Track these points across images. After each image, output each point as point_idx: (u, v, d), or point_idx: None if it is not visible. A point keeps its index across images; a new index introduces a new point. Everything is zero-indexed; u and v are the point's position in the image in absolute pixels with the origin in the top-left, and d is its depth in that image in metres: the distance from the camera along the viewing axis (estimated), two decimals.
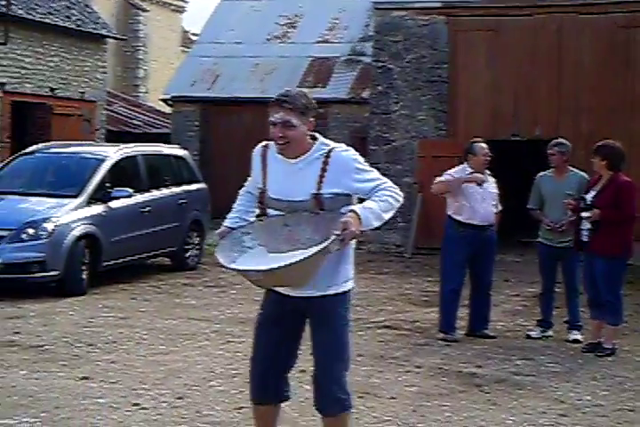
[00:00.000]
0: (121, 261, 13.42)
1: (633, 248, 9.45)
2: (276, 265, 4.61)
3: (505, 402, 7.55)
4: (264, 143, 5.20)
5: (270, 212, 5.09)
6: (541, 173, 10.50)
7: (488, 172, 10.32)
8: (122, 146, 14.55)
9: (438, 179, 10.03)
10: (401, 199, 5.07)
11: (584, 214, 9.28)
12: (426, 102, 18.34)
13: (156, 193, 14.40)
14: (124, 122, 28.40)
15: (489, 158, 10.09)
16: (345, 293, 5.09)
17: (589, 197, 9.35)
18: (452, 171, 10.17)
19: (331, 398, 5.07)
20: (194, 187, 15.62)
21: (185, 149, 16.71)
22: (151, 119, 29.82)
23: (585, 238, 9.39)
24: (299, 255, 4.67)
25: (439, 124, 18.31)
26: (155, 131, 28.42)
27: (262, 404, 5.35)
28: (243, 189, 5.43)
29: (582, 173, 10.25)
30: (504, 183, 12.03)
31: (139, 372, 8.14)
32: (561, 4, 17.73)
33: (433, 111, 18.36)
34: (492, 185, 10.28)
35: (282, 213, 5.00)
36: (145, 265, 14.85)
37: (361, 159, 5.09)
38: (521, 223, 11.01)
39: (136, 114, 29.80)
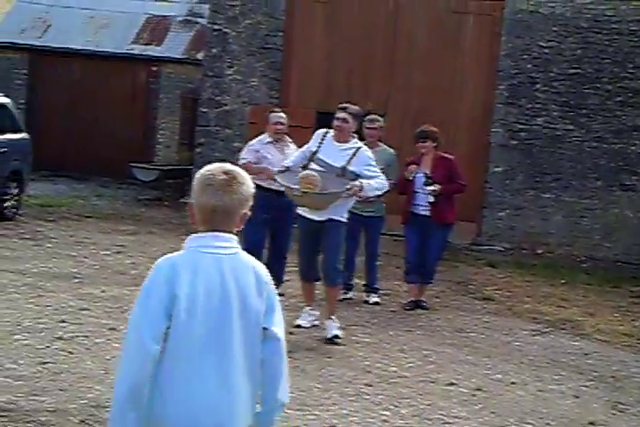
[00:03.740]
0: None
1: None
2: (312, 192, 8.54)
3: (313, 370, 7.64)
4: (325, 130, 9.02)
5: (312, 165, 8.85)
6: None
7: (289, 139, 10.56)
8: None
9: (242, 157, 10.30)
10: (386, 187, 9.09)
11: (430, 188, 10.20)
12: (260, 69, 18.24)
13: None
14: None
15: (280, 128, 10.34)
16: (341, 222, 8.88)
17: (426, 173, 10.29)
18: (254, 141, 10.48)
19: (333, 272, 8.94)
20: (15, 136, 15.09)
21: (7, 96, 16.11)
22: None
23: (425, 213, 10.34)
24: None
25: (272, 92, 18.24)
26: None
27: (306, 281, 9.18)
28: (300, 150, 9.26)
29: (391, 150, 10.88)
30: None
31: None
32: None
33: (266, 79, 18.28)
34: (292, 152, 10.48)
35: (320, 169, 8.76)
36: None
37: (372, 157, 9.00)
38: None
39: None
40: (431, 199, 10.25)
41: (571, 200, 16.88)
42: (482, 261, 15.00)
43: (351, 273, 10.98)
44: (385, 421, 6.46)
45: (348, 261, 10.90)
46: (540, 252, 16.54)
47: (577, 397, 7.63)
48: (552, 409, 7.18)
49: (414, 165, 10.35)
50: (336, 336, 8.77)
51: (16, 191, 14.94)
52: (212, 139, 18.01)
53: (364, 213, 10.61)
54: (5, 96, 15.75)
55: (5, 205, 14.57)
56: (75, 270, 10.92)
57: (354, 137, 9.05)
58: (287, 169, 9.03)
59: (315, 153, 8.95)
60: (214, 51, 18.40)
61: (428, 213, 10.36)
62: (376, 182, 8.76)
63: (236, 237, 3.55)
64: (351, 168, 8.77)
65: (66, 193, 19.50)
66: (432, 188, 10.21)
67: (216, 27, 18.38)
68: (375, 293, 10.91)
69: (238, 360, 3.42)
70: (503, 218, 16.97)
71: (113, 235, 13.85)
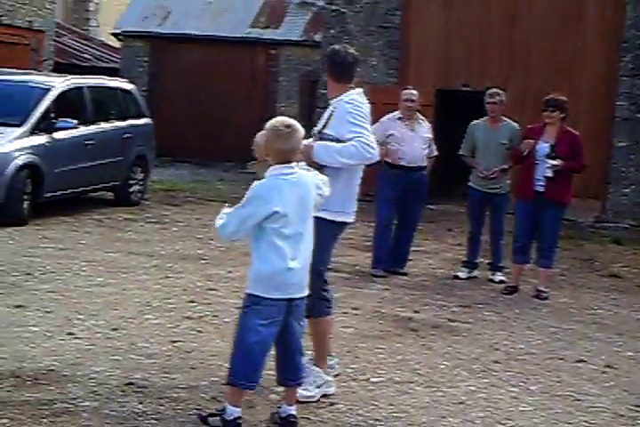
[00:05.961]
0: (63, 193, 13.19)
1: None
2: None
3: (439, 347, 7.62)
4: None
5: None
6: (475, 122, 10.90)
7: (421, 117, 10.80)
8: (68, 76, 14.27)
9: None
10: (367, 154, 6.01)
11: (552, 162, 9.54)
12: (378, 48, 18.20)
13: (101, 126, 14.15)
14: (74, 55, 27.85)
15: (410, 105, 10.46)
16: (322, 219, 5.91)
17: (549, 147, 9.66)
18: (385, 117, 10.54)
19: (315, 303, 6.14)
20: (140, 122, 15.40)
21: (133, 83, 16.46)
22: (101, 53, 29.30)
23: (540, 189, 9.68)
24: None
25: (390, 71, 18.19)
26: (104, 65, 27.96)
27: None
28: None
29: (515, 124, 10.72)
30: (452, 133, 12.20)
31: (75, 302, 8.09)
32: None
33: (384, 57, 18.22)
34: (424, 129, 10.72)
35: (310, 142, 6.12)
36: (87, 199, 14.64)
37: (356, 113, 6.07)
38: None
39: (86, 47, 29.22)
40: (549, 174, 9.54)
41: None
42: (607, 238, 14.74)
43: (476, 251, 10.92)
44: (514, 397, 6.40)
45: (474, 239, 10.91)
46: None
47: None
48: None
49: (531, 140, 9.74)
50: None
51: (141, 176, 15.27)
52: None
53: (488, 191, 10.55)
54: (130, 83, 16.11)
55: (131, 189, 14.91)
56: (201, 252, 11.10)
57: (350, 88, 6.36)
58: None
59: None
60: (332, 31, 18.43)
61: (542, 188, 9.65)
62: (342, 146, 5.99)
63: (295, 165, 5.36)
64: (328, 131, 6.18)
65: (188, 178, 19.84)
66: (554, 162, 9.49)
67: (334, 7, 18.40)
68: (500, 271, 10.80)
69: (307, 242, 5.45)
70: (628, 194, 16.58)
71: None
